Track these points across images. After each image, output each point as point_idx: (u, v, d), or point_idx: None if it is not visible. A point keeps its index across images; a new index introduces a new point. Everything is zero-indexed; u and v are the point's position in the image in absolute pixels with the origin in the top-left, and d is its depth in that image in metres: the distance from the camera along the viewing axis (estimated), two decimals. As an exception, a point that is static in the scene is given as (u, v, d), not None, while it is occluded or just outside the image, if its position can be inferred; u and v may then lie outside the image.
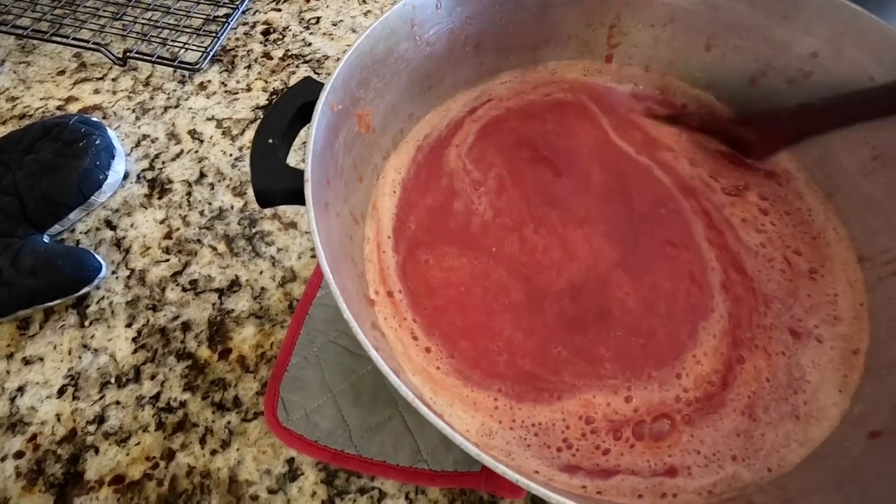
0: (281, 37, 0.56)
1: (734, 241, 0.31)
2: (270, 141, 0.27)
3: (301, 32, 0.56)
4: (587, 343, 0.28)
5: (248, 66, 0.53)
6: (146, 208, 0.44)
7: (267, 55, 0.54)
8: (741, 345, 0.28)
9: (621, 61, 0.38)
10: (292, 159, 0.42)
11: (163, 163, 0.47)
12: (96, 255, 0.40)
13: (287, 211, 0.44)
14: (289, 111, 0.28)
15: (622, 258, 0.31)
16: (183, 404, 0.36)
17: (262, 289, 0.40)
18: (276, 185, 0.25)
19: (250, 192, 0.45)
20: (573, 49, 0.38)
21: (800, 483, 0.24)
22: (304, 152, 0.24)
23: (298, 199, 0.24)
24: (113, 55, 0.53)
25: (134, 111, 0.50)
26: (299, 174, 0.24)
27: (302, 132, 0.29)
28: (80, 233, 0.43)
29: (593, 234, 0.32)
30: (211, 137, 0.48)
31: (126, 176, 0.46)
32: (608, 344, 0.28)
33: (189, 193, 0.45)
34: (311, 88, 0.28)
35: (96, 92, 0.52)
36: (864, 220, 0.30)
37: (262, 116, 0.49)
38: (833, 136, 0.32)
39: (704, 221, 0.32)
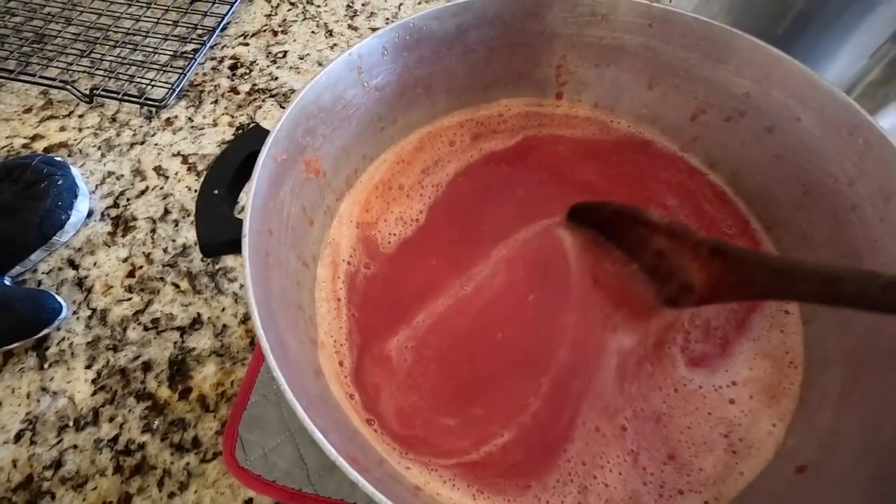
0: (248, 71, 0.57)
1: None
2: (216, 192, 0.27)
3: (268, 66, 0.57)
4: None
5: (215, 101, 0.54)
6: (109, 246, 0.45)
7: (234, 90, 0.55)
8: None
9: (571, 98, 0.40)
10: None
11: (127, 200, 0.47)
12: (56, 297, 0.40)
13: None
14: (235, 161, 0.28)
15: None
16: (141, 446, 0.36)
17: (224, 326, 0.40)
18: (220, 236, 0.26)
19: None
20: (524, 87, 0.39)
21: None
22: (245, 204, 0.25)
23: (241, 249, 0.25)
24: (80, 92, 0.53)
25: (100, 148, 0.51)
26: (242, 225, 0.25)
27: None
28: (42, 273, 0.43)
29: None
30: (176, 173, 0.49)
31: (90, 214, 0.46)
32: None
33: (153, 230, 0.45)
34: (259, 136, 0.28)
35: (62, 129, 0.52)
36: (800, 253, 0.32)
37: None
38: (770, 171, 0.33)
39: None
